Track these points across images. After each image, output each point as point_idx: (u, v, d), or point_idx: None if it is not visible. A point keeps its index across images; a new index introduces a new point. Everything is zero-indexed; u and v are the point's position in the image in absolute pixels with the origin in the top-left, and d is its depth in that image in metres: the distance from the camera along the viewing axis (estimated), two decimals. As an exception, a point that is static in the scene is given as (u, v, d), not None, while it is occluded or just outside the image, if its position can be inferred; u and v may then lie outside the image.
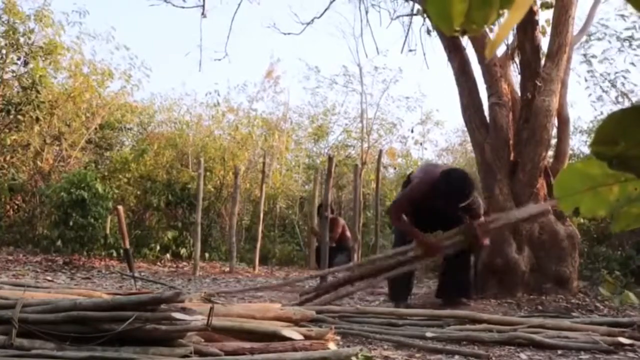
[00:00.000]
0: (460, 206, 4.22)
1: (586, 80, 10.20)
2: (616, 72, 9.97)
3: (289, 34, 8.36)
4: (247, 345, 2.50)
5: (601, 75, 10.09)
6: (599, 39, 9.89)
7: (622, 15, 9.61)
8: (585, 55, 9.97)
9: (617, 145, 0.71)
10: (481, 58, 5.47)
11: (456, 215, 4.34)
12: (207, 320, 2.36)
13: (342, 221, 8.48)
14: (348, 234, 8.46)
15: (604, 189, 0.81)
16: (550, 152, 5.86)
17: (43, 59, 9.15)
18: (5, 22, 8.95)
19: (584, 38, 8.27)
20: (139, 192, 9.47)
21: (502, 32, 0.71)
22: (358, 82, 12.94)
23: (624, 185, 0.80)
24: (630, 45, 9.75)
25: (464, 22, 0.67)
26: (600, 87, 10.21)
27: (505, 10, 0.68)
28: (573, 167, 0.83)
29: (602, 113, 10.32)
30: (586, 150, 10.21)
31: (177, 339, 2.36)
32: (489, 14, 0.66)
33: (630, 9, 9.28)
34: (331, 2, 7.73)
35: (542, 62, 5.27)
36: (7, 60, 9.02)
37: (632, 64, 9.83)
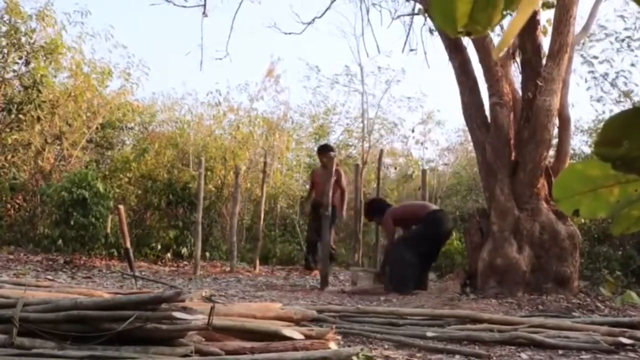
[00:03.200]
0: None
1: (586, 82, 10.20)
2: (616, 72, 9.97)
3: (290, 33, 8.35)
4: (248, 344, 2.50)
5: (601, 76, 10.09)
6: (597, 41, 9.91)
7: (622, 16, 9.64)
8: (582, 56, 9.97)
9: (620, 146, 0.71)
10: (482, 57, 5.47)
11: None
12: (207, 319, 2.36)
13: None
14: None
15: (604, 190, 0.81)
16: (551, 152, 5.85)
17: (44, 58, 9.15)
18: (7, 22, 8.96)
19: (584, 39, 8.28)
20: (139, 192, 9.45)
21: (509, 34, 0.71)
22: (359, 82, 12.93)
23: (624, 186, 0.80)
24: (629, 46, 9.77)
25: (467, 23, 0.67)
26: (601, 88, 10.21)
27: (509, 12, 0.68)
28: (573, 168, 0.83)
29: (603, 112, 10.32)
30: (587, 150, 10.21)
31: (178, 339, 2.36)
32: (492, 15, 0.66)
33: (629, 9, 9.33)
34: (332, 2, 7.71)
35: (544, 61, 5.27)
36: (9, 60, 9.02)
37: (633, 65, 9.84)
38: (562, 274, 4.99)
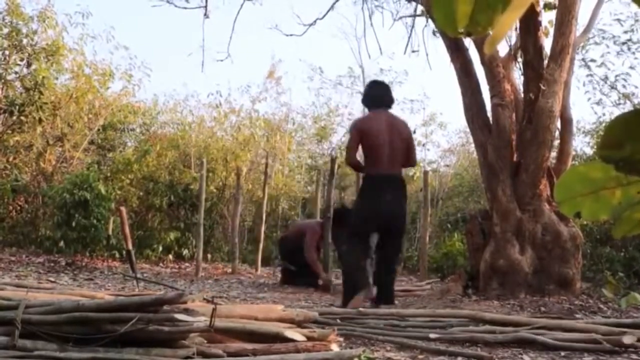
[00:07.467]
0: None
1: (584, 85, 10.20)
2: (616, 75, 9.96)
3: (291, 35, 8.35)
4: (250, 346, 2.50)
5: (600, 79, 10.08)
6: (596, 43, 9.91)
7: (619, 20, 9.66)
8: (584, 59, 9.96)
9: (623, 148, 0.71)
10: (484, 59, 5.46)
11: None
12: (209, 321, 2.36)
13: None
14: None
15: (606, 192, 0.80)
16: (553, 153, 5.84)
17: (46, 60, 9.17)
18: (8, 23, 8.97)
19: (584, 41, 8.28)
20: (141, 193, 9.46)
21: (500, 29, 0.71)
22: (362, 84, 12.93)
23: (626, 189, 0.80)
24: (629, 48, 9.77)
25: (468, 24, 0.67)
26: (600, 90, 10.21)
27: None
28: (575, 170, 0.82)
29: (603, 115, 10.32)
30: (589, 151, 10.20)
31: (180, 340, 2.36)
32: (493, 16, 0.66)
33: (627, 12, 9.35)
34: (334, 3, 7.70)
35: (545, 63, 5.26)
36: (10, 62, 9.03)
37: (632, 67, 9.83)
38: (564, 275, 4.98)
